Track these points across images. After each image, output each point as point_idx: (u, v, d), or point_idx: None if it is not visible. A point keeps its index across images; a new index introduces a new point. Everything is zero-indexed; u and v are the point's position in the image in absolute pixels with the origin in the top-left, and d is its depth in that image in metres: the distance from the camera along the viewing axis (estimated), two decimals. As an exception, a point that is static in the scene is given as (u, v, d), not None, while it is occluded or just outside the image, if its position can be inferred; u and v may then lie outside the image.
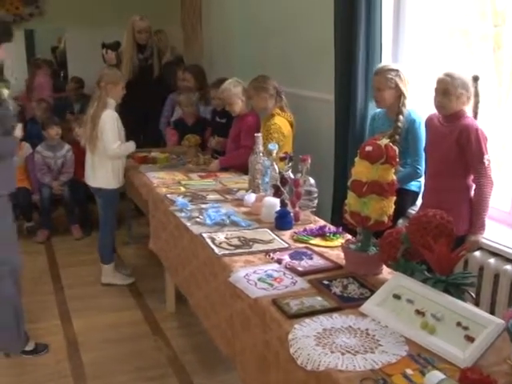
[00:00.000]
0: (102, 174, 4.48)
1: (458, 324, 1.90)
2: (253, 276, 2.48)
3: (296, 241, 2.92)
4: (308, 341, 1.94)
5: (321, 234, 2.97)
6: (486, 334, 1.84)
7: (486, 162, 3.04)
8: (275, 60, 5.14)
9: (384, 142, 2.38)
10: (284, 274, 2.50)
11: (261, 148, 3.59)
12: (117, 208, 4.77)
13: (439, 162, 3.23)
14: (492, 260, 3.13)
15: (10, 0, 7.94)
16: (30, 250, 5.50)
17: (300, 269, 2.54)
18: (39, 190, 5.87)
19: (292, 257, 2.68)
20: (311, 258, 2.67)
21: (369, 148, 2.37)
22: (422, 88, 3.74)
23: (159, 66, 6.07)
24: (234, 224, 3.17)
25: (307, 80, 4.72)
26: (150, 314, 4.23)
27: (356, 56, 3.81)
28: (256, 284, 2.40)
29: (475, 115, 3.13)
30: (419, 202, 3.59)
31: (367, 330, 2.01)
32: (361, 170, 2.39)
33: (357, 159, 2.42)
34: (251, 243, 2.88)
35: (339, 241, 2.86)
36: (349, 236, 2.87)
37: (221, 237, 2.97)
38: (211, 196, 3.76)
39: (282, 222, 3.10)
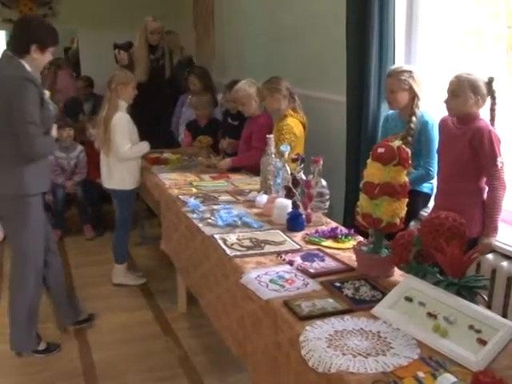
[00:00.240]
0: (117, 176, 4.49)
1: (471, 327, 1.89)
2: (264, 277, 2.48)
3: (308, 242, 2.92)
4: (319, 343, 1.93)
5: (333, 235, 2.96)
6: (499, 337, 1.83)
7: (499, 165, 3.03)
8: (287, 61, 5.13)
9: (396, 143, 2.37)
10: (296, 275, 2.50)
11: (273, 149, 3.59)
12: (133, 209, 4.79)
13: (452, 164, 3.22)
14: (505, 263, 3.12)
15: (24, 1, 8.00)
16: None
17: (312, 270, 2.54)
18: (53, 191, 5.89)
19: (304, 258, 2.68)
20: (323, 260, 2.67)
21: (381, 150, 2.36)
22: (435, 89, 3.72)
23: (170, 67, 6.08)
24: (246, 225, 3.17)
25: (319, 81, 4.71)
26: (161, 314, 4.25)
27: (369, 57, 3.80)
28: (267, 285, 2.40)
29: (492, 118, 3.10)
30: (431, 204, 3.57)
31: (379, 332, 2.00)
32: (373, 171, 2.39)
33: (369, 161, 2.42)
34: (263, 244, 2.88)
35: (351, 243, 2.85)
36: (361, 238, 2.87)
37: (232, 238, 2.97)
38: (223, 197, 3.76)
39: (294, 223, 3.09)
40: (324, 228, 3.08)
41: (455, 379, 1.64)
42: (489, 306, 2.99)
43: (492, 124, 3.09)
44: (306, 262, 2.63)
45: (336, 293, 2.31)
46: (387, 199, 2.35)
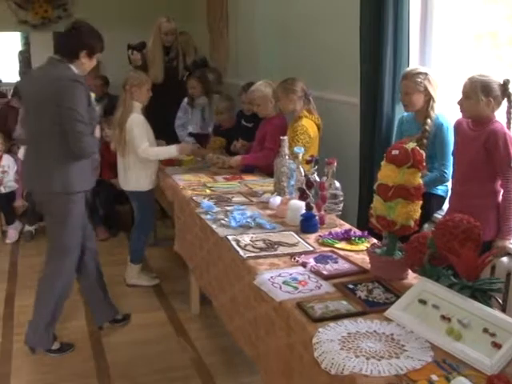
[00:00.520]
0: (134, 177, 4.50)
1: (485, 330, 1.88)
2: (277, 279, 2.48)
3: (321, 244, 2.92)
4: (332, 345, 1.93)
5: (346, 237, 2.96)
6: (514, 340, 1.82)
7: (515, 167, 3.01)
8: (301, 63, 5.13)
9: (411, 145, 2.36)
10: (309, 277, 2.50)
11: (286, 151, 3.58)
12: (153, 209, 4.80)
13: (467, 166, 3.20)
14: (520, 266, 3.10)
15: (39, 3, 8.04)
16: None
17: (325, 272, 2.53)
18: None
19: (317, 260, 2.68)
20: (336, 262, 2.66)
21: (395, 152, 2.35)
22: (450, 91, 3.70)
23: (184, 68, 6.09)
24: (259, 227, 3.17)
25: (332, 83, 4.71)
26: (174, 315, 4.25)
27: (383, 59, 3.79)
28: (281, 287, 2.40)
29: (508, 121, 3.08)
30: (445, 206, 3.56)
31: (392, 334, 1.99)
32: (387, 173, 2.38)
33: (383, 163, 2.41)
34: (276, 246, 2.88)
35: (364, 245, 2.85)
36: (374, 240, 2.86)
37: (246, 239, 2.97)
38: (236, 198, 3.76)
39: (308, 225, 3.09)
40: (337, 230, 3.07)
41: (469, 383, 1.63)
42: (503, 310, 2.97)
43: (508, 127, 3.07)
44: (319, 264, 2.63)
45: (349, 295, 2.31)
46: (401, 201, 2.34)
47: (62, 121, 3.40)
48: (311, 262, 2.65)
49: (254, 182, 4.23)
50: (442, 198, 3.61)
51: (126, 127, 4.34)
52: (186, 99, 5.73)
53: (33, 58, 8.44)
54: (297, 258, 2.71)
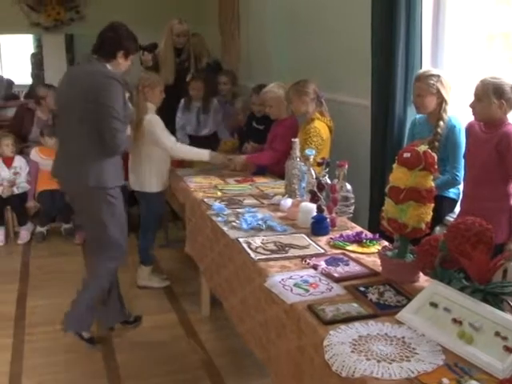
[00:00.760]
0: (145, 178, 4.50)
1: (497, 334, 1.87)
2: (288, 281, 2.48)
3: (332, 247, 2.91)
4: (343, 347, 1.93)
5: (357, 240, 2.95)
6: (526, 344, 1.81)
7: (527, 170, 3.00)
8: (312, 65, 5.13)
9: (423, 148, 2.36)
10: (320, 279, 2.50)
11: (298, 153, 3.58)
12: (161, 211, 4.81)
13: (478, 169, 3.19)
14: (532, 269, 3.08)
15: (52, 5, 8.08)
16: (67, 251, 5.61)
17: (336, 275, 2.53)
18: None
19: (328, 263, 2.67)
20: (347, 265, 2.66)
21: (407, 154, 2.35)
22: (462, 93, 3.69)
23: (195, 70, 6.09)
24: (270, 229, 3.17)
25: (343, 85, 4.70)
26: (184, 316, 4.26)
27: (395, 61, 3.79)
28: (292, 289, 2.40)
29: None
30: (457, 209, 3.54)
31: (403, 337, 1.99)
32: (399, 176, 2.37)
33: (395, 165, 2.41)
34: (287, 248, 2.88)
35: (376, 247, 2.84)
36: (385, 243, 2.85)
37: (257, 241, 2.97)
38: (247, 201, 3.76)
39: (319, 227, 3.09)
40: (349, 232, 3.07)
41: (481, 386, 1.63)
42: (515, 313, 2.95)
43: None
44: (330, 267, 2.62)
45: (360, 297, 2.31)
46: (413, 204, 2.34)
47: (99, 117, 3.48)
48: (322, 264, 2.65)
49: (265, 184, 4.23)
50: (453, 201, 3.59)
51: (143, 129, 4.34)
52: (183, 101, 5.65)
53: (45, 60, 8.49)
54: (308, 261, 2.71)
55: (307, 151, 3.42)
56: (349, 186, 3.15)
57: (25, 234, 5.91)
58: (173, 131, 4.98)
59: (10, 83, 8.67)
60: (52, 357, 3.72)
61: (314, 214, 3.12)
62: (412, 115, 3.83)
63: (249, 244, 2.94)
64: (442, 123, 3.49)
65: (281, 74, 5.43)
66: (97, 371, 3.57)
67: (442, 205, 3.43)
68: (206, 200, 3.78)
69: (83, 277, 4.00)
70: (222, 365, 3.62)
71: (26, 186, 5.97)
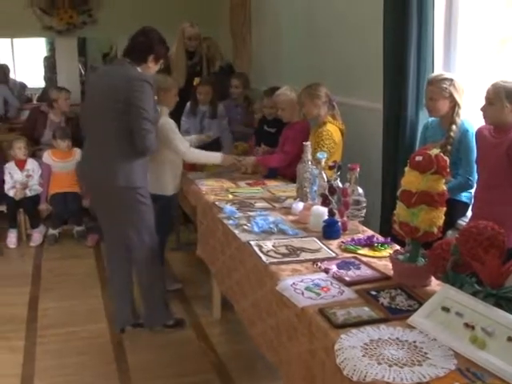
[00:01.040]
0: (159, 181, 4.49)
1: (509, 339, 1.86)
2: (300, 285, 2.47)
3: (344, 250, 2.91)
4: (354, 351, 1.92)
5: (369, 244, 2.94)
6: (539, 349, 1.80)
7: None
8: (324, 68, 5.13)
9: (435, 151, 2.35)
10: (331, 283, 2.49)
11: (309, 156, 3.58)
12: (172, 214, 4.81)
13: (489, 173, 3.18)
14: (545, 274, 3.06)
15: (64, 9, 8.13)
16: (79, 253, 5.64)
17: (347, 278, 2.53)
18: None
19: (339, 266, 2.67)
20: (359, 268, 2.65)
21: (419, 158, 2.34)
22: (474, 97, 3.68)
23: (208, 73, 6.10)
24: (282, 232, 3.17)
25: (356, 89, 4.70)
26: (195, 319, 4.26)
27: (407, 64, 3.78)
28: (303, 293, 2.40)
29: None
30: (469, 213, 3.53)
31: (415, 342, 1.98)
32: (410, 179, 2.37)
33: (407, 169, 2.40)
34: (299, 252, 2.88)
35: (387, 251, 2.83)
36: (397, 246, 2.85)
37: (268, 245, 2.97)
38: (259, 204, 3.76)
39: (330, 231, 3.08)
40: (360, 236, 3.06)
41: (493, 392, 1.62)
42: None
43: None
44: (341, 270, 2.62)
45: (372, 301, 2.30)
46: (425, 208, 2.33)
47: (131, 118, 3.56)
48: (334, 268, 2.65)
49: (277, 187, 4.23)
50: (465, 205, 3.58)
51: (158, 132, 4.33)
52: (188, 104, 5.61)
53: (58, 63, 8.54)
54: (319, 264, 2.70)
55: (319, 155, 3.42)
56: (360, 190, 3.14)
57: (37, 236, 5.94)
58: (182, 133, 4.98)
59: (23, 86, 8.72)
60: (64, 359, 3.73)
61: (326, 217, 3.12)
62: (424, 119, 3.83)
63: (260, 247, 2.94)
64: (454, 127, 3.49)
65: (293, 79, 5.44)
66: (108, 373, 3.58)
67: (455, 209, 3.41)
68: (217, 203, 3.78)
69: (110, 278, 4.15)
70: (233, 368, 3.62)
71: (38, 189, 6.00)
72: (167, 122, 4.36)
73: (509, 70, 3.58)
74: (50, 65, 8.79)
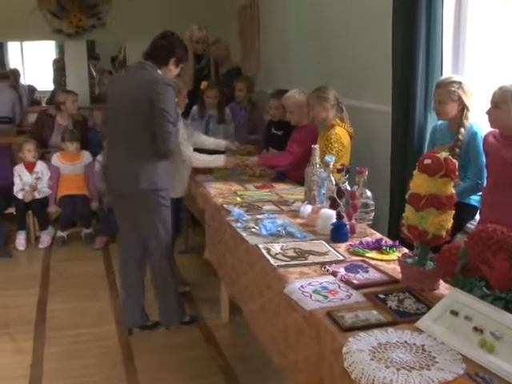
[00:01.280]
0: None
1: (519, 343, 1.85)
2: (308, 288, 2.47)
3: (352, 253, 2.90)
4: (362, 355, 1.92)
5: (377, 247, 2.94)
6: (548, 354, 1.79)
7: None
8: (332, 71, 5.12)
9: (443, 154, 2.34)
10: (339, 286, 2.49)
11: (317, 159, 3.58)
12: (179, 217, 4.81)
13: (496, 177, 3.17)
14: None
15: (74, 12, 8.18)
16: (87, 256, 5.65)
17: (355, 282, 2.52)
18: (99, 197, 6.00)
19: (347, 269, 2.66)
20: (367, 271, 2.65)
21: (428, 161, 2.33)
22: (482, 100, 3.66)
23: (215, 76, 6.10)
24: (290, 235, 3.16)
25: (364, 92, 4.69)
26: (203, 322, 4.26)
27: (415, 67, 3.77)
28: (311, 296, 2.39)
29: None
30: (478, 216, 3.52)
31: (423, 345, 1.97)
32: (419, 183, 2.36)
33: (415, 172, 2.40)
34: (307, 255, 2.87)
35: (395, 254, 2.82)
36: (405, 250, 2.84)
37: (276, 248, 2.97)
38: (267, 207, 3.76)
39: (338, 234, 3.08)
40: (368, 239, 3.05)
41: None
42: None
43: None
44: (349, 273, 2.61)
45: (380, 305, 2.29)
46: (433, 211, 2.32)
47: (154, 121, 3.60)
48: (342, 271, 2.64)
49: (285, 190, 4.22)
50: (474, 208, 3.57)
51: None
52: (195, 108, 5.58)
53: (67, 66, 8.58)
54: (327, 267, 2.70)
55: (327, 157, 3.42)
56: (369, 193, 3.14)
57: (46, 238, 5.96)
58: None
59: (32, 89, 8.77)
60: (72, 360, 3.74)
61: (334, 220, 3.11)
62: (432, 122, 3.82)
63: (268, 250, 2.94)
64: (463, 130, 3.47)
65: (301, 82, 5.43)
66: (116, 375, 3.59)
67: (463, 212, 3.40)
68: (225, 206, 3.78)
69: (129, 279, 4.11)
70: (240, 371, 3.62)
71: (47, 191, 6.02)
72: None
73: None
74: (59, 68, 8.84)
